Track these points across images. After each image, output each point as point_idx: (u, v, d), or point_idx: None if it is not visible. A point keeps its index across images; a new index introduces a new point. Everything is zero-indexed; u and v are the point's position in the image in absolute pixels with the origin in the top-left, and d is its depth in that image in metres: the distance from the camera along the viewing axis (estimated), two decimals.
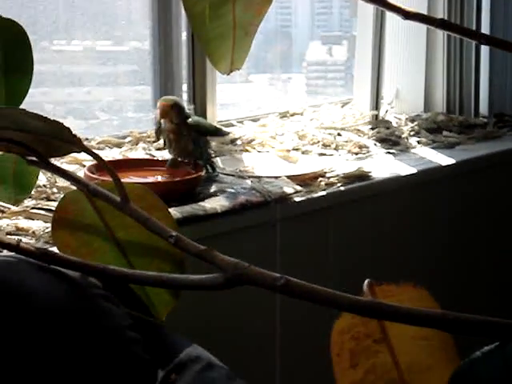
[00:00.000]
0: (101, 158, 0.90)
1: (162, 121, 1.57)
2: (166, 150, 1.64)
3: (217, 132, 1.70)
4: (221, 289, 0.80)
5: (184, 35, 2.02)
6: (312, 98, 2.62)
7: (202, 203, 1.48)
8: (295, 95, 2.58)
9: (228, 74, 0.90)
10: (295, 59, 2.67)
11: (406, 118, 2.33)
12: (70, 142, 0.87)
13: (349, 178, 1.78)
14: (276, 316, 1.62)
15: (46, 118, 0.83)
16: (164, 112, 1.56)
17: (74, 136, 0.85)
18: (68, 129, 0.84)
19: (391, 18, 2.31)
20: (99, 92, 2.05)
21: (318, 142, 2.05)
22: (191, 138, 1.57)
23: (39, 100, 1.87)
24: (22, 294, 0.86)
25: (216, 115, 2.05)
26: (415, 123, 2.29)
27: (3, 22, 0.94)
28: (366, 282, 0.78)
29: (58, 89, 1.97)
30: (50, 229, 1.31)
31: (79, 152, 0.89)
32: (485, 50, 2.42)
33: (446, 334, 0.76)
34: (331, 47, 2.65)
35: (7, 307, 0.85)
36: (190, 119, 1.59)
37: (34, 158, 0.92)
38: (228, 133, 1.80)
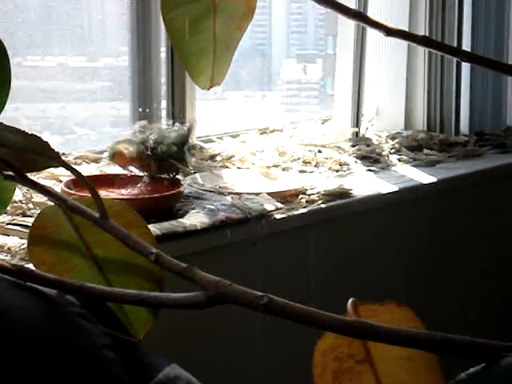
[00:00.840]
0: (79, 173, 0.89)
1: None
2: None
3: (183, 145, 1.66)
4: (202, 308, 0.79)
5: (163, 50, 2.01)
6: (287, 116, 2.62)
7: (181, 220, 1.47)
8: (270, 113, 2.58)
9: (208, 89, 0.90)
10: (270, 77, 2.67)
11: (387, 136, 2.33)
12: (49, 157, 0.85)
13: (330, 196, 1.77)
14: (258, 335, 1.61)
15: (23, 131, 0.81)
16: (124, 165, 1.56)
17: (53, 150, 0.84)
18: (46, 143, 0.83)
19: (372, 34, 2.32)
20: (76, 108, 2.04)
21: (299, 158, 2.05)
22: (160, 166, 1.57)
23: (14, 115, 1.86)
24: None
25: (195, 131, 2.04)
26: (396, 141, 2.29)
27: None
28: (350, 300, 0.77)
29: (34, 104, 1.96)
30: (25, 245, 1.29)
31: (57, 167, 0.88)
32: (466, 67, 2.43)
33: (431, 354, 0.75)
34: (306, 66, 2.65)
35: None
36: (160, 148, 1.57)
37: (11, 173, 0.90)
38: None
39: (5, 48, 0.92)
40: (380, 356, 0.76)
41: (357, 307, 0.77)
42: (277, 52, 2.67)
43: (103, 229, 0.88)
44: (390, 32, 0.79)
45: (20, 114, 1.92)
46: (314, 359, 0.74)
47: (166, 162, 1.56)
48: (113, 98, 2.07)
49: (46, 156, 0.85)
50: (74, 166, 1.69)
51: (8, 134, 0.83)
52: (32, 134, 0.82)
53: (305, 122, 2.35)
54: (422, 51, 2.40)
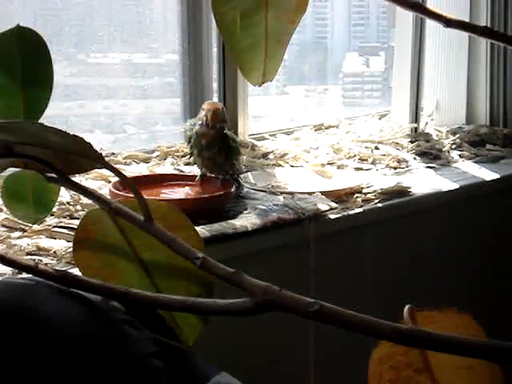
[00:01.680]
0: (123, 175, 0.88)
1: (199, 125, 1.54)
2: (195, 165, 1.62)
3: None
4: (250, 315, 0.78)
5: (215, 46, 2.00)
6: (349, 109, 2.61)
7: (231, 221, 1.45)
8: (332, 107, 2.57)
9: (260, 86, 0.88)
10: (332, 70, 2.66)
11: (447, 131, 2.29)
12: (91, 158, 0.84)
13: (387, 194, 1.74)
14: (310, 342, 1.59)
15: (65, 132, 0.80)
16: (215, 115, 1.52)
17: (95, 151, 0.83)
18: (89, 144, 0.82)
19: (431, 26, 2.28)
20: (128, 105, 2.05)
21: (355, 155, 2.02)
22: (223, 149, 1.55)
23: (65, 113, 1.86)
24: (37, 321, 0.84)
25: (247, 129, 2.03)
26: (457, 136, 2.25)
27: (22, 31, 0.92)
28: (407, 307, 0.75)
29: (85, 101, 1.96)
30: (71, 249, 1.29)
31: (100, 168, 0.87)
32: None
33: (492, 364, 0.73)
34: (368, 58, 2.65)
35: (21, 335, 0.82)
36: (228, 134, 1.57)
37: (54, 175, 0.90)
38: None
39: (48, 49, 0.92)
40: (439, 365, 0.74)
41: (414, 314, 0.75)
42: (338, 45, 2.67)
43: (148, 232, 0.87)
44: (449, 23, 0.77)
45: (73, 112, 1.92)
46: (370, 368, 0.73)
47: (228, 154, 1.55)
48: (165, 95, 2.07)
49: (89, 157, 0.84)
50: (123, 167, 1.70)
51: (49, 135, 0.82)
52: (74, 135, 0.81)
53: (361, 118, 2.32)
54: (483, 42, 2.35)
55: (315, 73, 2.57)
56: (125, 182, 0.89)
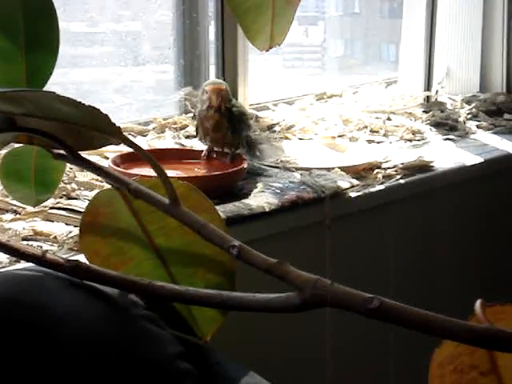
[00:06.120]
0: (147, 154, 0.80)
1: (204, 108, 1.47)
2: (196, 139, 1.54)
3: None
4: (296, 311, 0.73)
5: (212, 6, 1.92)
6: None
7: (245, 201, 1.38)
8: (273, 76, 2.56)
9: (267, 51, 0.86)
10: None
11: (462, 100, 2.23)
12: (108, 133, 0.77)
13: (409, 169, 1.69)
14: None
15: (80, 103, 0.74)
16: (219, 97, 1.45)
17: (113, 125, 0.76)
18: (106, 116, 0.75)
19: None
20: (115, 73, 1.97)
21: (365, 127, 1.95)
22: (230, 128, 1.48)
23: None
24: (47, 322, 0.77)
25: (248, 97, 1.96)
26: (473, 105, 2.19)
27: None
28: (478, 302, 0.70)
29: (68, 70, 1.89)
30: (73, 233, 1.22)
31: (117, 144, 0.80)
32: None
33: None
34: (307, 28, 2.64)
35: (28, 339, 0.75)
36: (234, 108, 1.49)
37: (62, 152, 0.83)
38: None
39: (53, 7, 0.85)
40: (507, 366, 0.70)
41: (484, 309, 0.70)
42: None
43: (174, 217, 0.81)
44: None
45: (55, 80, 1.85)
46: (431, 370, 0.70)
47: (238, 132, 1.49)
48: (157, 61, 1.99)
49: (105, 131, 0.77)
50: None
51: (60, 105, 0.75)
52: (89, 106, 0.74)
53: (367, 86, 2.26)
54: (500, 4, 2.30)
55: None
56: (148, 161, 0.81)
